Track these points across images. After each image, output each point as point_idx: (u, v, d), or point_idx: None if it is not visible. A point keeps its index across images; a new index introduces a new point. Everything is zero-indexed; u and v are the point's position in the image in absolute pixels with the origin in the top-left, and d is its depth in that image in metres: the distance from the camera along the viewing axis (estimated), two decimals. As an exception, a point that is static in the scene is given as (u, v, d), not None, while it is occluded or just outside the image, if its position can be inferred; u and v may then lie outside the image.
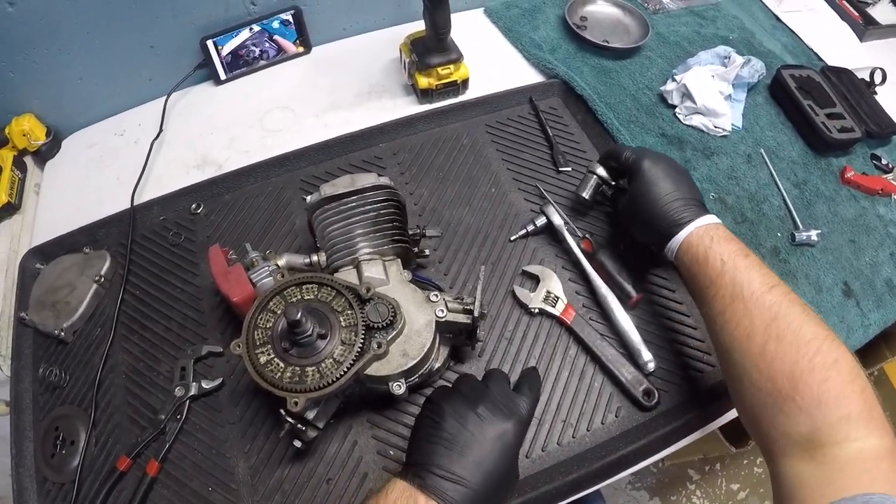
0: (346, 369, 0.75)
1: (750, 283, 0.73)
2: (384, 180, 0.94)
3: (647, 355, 0.94)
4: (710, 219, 0.82)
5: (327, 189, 0.93)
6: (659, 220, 0.85)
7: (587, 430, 0.90)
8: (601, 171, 1.02)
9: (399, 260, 0.91)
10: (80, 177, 1.31)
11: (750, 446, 1.81)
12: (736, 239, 0.80)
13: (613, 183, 1.03)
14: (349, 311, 0.80)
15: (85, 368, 1.02)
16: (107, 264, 1.10)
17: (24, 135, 1.33)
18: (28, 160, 1.37)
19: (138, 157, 1.26)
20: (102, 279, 1.08)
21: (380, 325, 0.79)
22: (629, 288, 0.98)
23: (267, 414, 0.93)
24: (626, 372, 0.93)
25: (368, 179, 0.94)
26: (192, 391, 0.95)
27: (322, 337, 0.77)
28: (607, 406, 0.92)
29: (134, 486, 0.90)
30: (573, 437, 0.90)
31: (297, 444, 0.82)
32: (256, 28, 1.35)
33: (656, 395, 0.91)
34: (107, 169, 1.29)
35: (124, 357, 1.02)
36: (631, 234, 0.97)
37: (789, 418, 0.64)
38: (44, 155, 1.38)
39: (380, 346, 0.77)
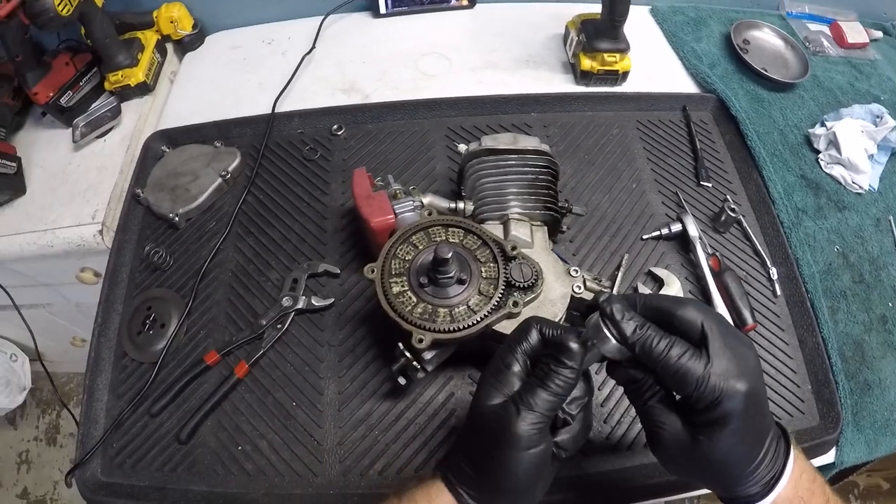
0: (478, 319, 0.77)
1: None
2: (545, 147, 0.95)
3: None
4: (790, 464, 0.57)
5: (488, 141, 0.94)
6: (738, 482, 0.57)
7: None
8: (610, 346, 0.58)
9: (546, 228, 0.91)
10: (218, 74, 1.37)
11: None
12: (817, 477, 0.60)
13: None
14: (492, 264, 0.81)
15: (191, 257, 1.07)
16: (236, 162, 1.14)
17: (171, 21, 1.40)
18: (169, 47, 1.44)
19: (284, 68, 1.32)
20: (228, 175, 1.12)
21: (520, 285, 0.79)
22: (746, 314, 0.98)
23: (370, 345, 0.95)
24: None
25: (531, 142, 0.95)
26: (300, 304, 0.97)
27: (460, 282, 0.79)
28: None
29: (217, 383, 0.93)
30: None
31: (402, 381, 0.82)
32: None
33: None
34: (249, 73, 1.35)
35: (234, 256, 1.06)
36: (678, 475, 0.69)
37: None
38: (186, 46, 1.44)
39: (516, 304, 0.78)
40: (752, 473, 0.56)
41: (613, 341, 0.57)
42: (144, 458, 0.89)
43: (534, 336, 0.61)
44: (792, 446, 0.57)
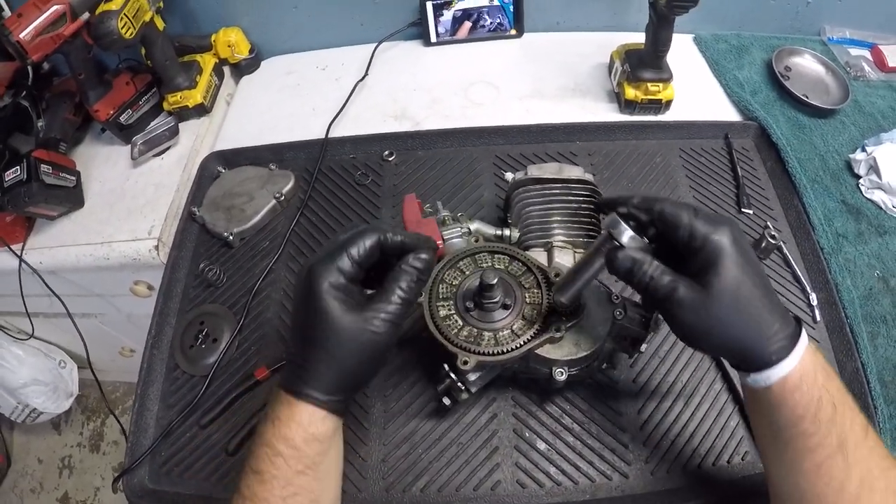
0: (521, 343, 0.79)
1: (854, 430, 0.60)
2: (589, 177, 0.98)
3: None
4: (805, 337, 0.62)
5: (534, 171, 0.97)
6: (755, 340, 0.61)
7: (712, 465, 0.90)
8: (627, 236, 0.67)
9: (588, 254, 0.93)
10: (273, 98, 1.43)
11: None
12: (829, 365, 0.63)
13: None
14: (535, 290, 0.84)
15: (244, 275, 1.11)
16: (290, 184, 1.18)
17: (228, 46, 1.46)
18: (226, 70, 1.50)
19: (337, 94, 1.37)
20: (282, 197, 1.16)
21: (563, 311, 0.81)
22: None
23: (415, 365, 0.98)
24: None
25: (575, 172, 0.98)
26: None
27: (505, 307, 0.82)
28: (736, 448, 0.92)
29: (266, 398, 0.96)
30: (698, 468, 0.90)
31: (447, 401, 0.85)
32: (477, 2, 1.45)
33: None
34: (303, 97, 1.41)
35: (286, 275, 1.10)
36: (692, 344, 0.71)
37: None
38: (242, 69, 1.49)
39: (558, 330, 0.80)
40: (765, 336, 0.61)
41: (628, 228, 0.66)
42: (192, 468, 0.92)
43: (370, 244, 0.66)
44: (805, 335, 0.62)
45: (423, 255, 0.66)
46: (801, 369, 0.60)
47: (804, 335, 0.62)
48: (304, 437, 0.61)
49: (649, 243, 0.67)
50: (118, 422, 1.52)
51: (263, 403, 0.95)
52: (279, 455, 0.61)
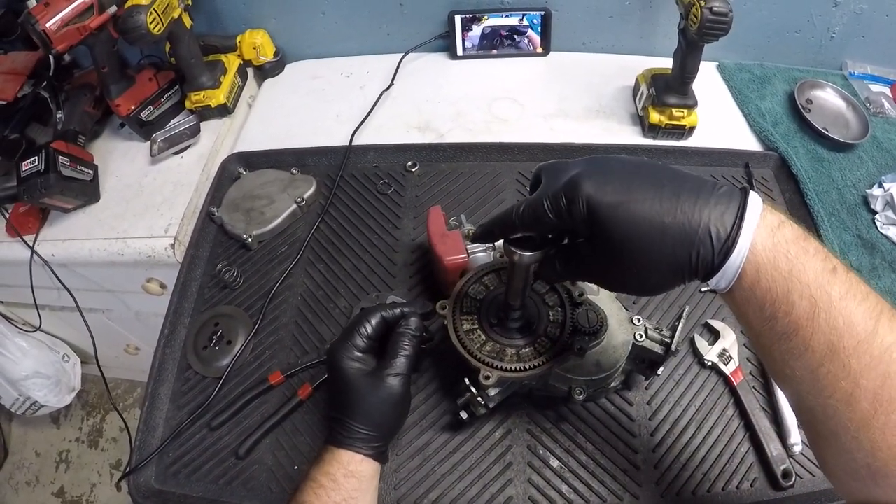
0: (543, 360, 0.79)
1: (852, 328, 0.50)
2: (615, 198, 0.97)
3: (796, 437, 0.94)
4: (755, 207, 0.51)
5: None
6: (684, 257, 0.52)
7: (721, 490, 0.90)
8: (527, 255, 0.65)
9: (612, 277, 0.93)
10: (296, 102, 1.44)
11: None
12: (810, 237, 0.52)
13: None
14: (559, 309, 0.84)
15: (262, 279, 1.11)
16: (311, 189, 1.19)
17: (254, 48, 1.47)
18: (249, 72, 1.49)
19: (361, 102, 1.38)
20: (303, 202, 1.17)
21: (585, 331, 0.81)
22: None
23: (432, 377, 0.98)
24: (773, 447, 0.94)
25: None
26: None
27: (528, 324, 0.82)
28: (745, 474, 0.92)
29: (279, 403, 0.96)
30: (707, 492, 0.90)
31: (464, 415, 0.85)
32: (507, 19, 1.46)
33: (793, 478, 0.91)
34: (327, 103, 1.41)
35: (304, 281, 1.10)
36: (644, 293, 0.71)
37: (886, 492, 0.52)
38: (266, 72, 1.50)
39: (581, 349, 0.80)
40: (695, 244, 0.52)
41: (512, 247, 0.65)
42: (200, 470, 0.92)
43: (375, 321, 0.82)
44: (754, 194, 0.52)
45: (413, 319, 0.81)
46: (755, 260, 0.51)
47: (751, 215, 0.51)
48: (344, 473, 0.72)
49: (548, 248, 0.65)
50: (122, 418, 1.51)
51: (276, 409, 0.94)
52: (321, 487, 0.71)
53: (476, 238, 0.70)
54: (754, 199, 0.52)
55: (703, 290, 1.09)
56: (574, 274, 0.63)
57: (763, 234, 0.51)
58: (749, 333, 0.58)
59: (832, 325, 0.50)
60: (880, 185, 1.26)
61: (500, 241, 0.67)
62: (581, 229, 0.57)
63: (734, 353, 1.01)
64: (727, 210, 0.51)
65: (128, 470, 0.91)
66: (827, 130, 1.35)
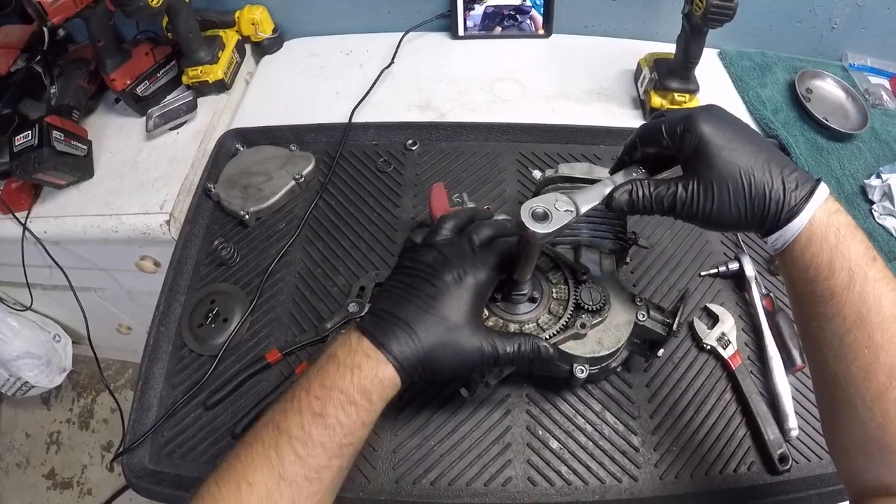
0: (546, 337, 0.78)
1: (880, 307, 0.58)
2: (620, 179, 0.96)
3: (793, 422, 0.95)
4: (823, 192, 0.61)
5: (565, 169, 0.97)
6: (759, 210, 0.62)
7: (719, 473, 0.90)
8: (637, 172, 0.72)
9: (614, 256, 0.93)
10: (295, 80, 1.42)
11: None
12: (859, 229, 0.62)
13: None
14: (562, 286, 0.83)
15: (259, 256, 1.09)
16: (310, 166, 1.17)
17: (252, 23, 1.45)
18: (247, 48, 1.48)
19: (361, 80, 1.36)
20: (302, 179, 1.15)
21: (588, 308, 0.81)
22: (796, 354, 1.00)
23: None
24: (770, 432, 0.94)
25: (606, 173, 0.96)
26: (365, 311, 0.97)
27: (532, 300, 0.81)
28: (743, 458, 0.92)
29: (276, 381, 0.95)
30: (705, 475, 0.90)
31: (464, 392, 0.83)
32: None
33: (790, 462, 0.91)
34: (326, 81, 1.40)
35: (302, 258, 1.08)
36: (715, 228, 0.73)
37: (891, 470, 0.58)
38: (265, 49, 1.48)
39: (583, 326, 0.80)
40: (772, 200, 0.61)
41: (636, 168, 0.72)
42: (195, 450, 0.90)
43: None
44: (823, 184, 0.62)
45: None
46: (811, 230, 0.61)
47: (818, 196, 0.61)
48: (381, 395, 0.62)
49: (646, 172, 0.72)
50: (114, 398, 1.50)
51: (273, 387, 0.93)
52: (353, 404, 0.61)
53: (615, 168, 0.75)
54: (823, 187, 0.62)
55: (703, 273, 1.09)
56: (660, 199, 0.67)
57: (822, 212, 0.61)
58: (791, 293, 0.67)
59: (864, 298, 0.58)
60: (878, 176, 1.27)
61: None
62: (685, 156, 0.65)
63: (732, 337, 1.01)
64: (801, 187, 0.61)
65: (121, 450, 0.90)
66: (827, 120, 1.35)
